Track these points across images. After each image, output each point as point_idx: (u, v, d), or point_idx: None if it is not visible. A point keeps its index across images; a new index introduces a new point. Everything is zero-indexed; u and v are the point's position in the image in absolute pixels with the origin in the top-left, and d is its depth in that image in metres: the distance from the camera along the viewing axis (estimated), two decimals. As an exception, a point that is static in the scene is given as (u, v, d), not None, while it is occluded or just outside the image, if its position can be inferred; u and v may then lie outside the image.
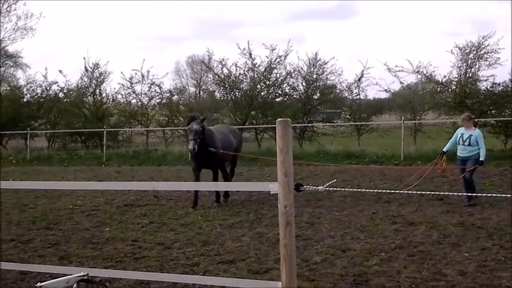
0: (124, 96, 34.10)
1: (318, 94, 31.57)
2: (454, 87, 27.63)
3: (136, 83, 33.07)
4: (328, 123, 31.79)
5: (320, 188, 4.27)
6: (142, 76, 32.68)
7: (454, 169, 14.52)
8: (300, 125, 29.62)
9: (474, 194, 11.83)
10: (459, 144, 12.71)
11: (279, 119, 3.92)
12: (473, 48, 27.15)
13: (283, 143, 3.84)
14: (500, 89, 26.62)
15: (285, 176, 3.82)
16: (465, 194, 12.17)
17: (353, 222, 10.91)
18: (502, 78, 35.74)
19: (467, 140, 12.53)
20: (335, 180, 5.99)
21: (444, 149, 13.06)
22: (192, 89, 66.97)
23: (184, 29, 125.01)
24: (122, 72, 39.04)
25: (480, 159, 12.53)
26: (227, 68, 30.88)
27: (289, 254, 3.85)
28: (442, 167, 12.98)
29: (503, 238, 9.17)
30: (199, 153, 12.95)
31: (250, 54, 29.89)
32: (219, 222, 11.26)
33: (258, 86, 30.79)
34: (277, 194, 3.91)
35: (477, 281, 6.99)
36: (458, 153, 12.82)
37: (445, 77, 27.63)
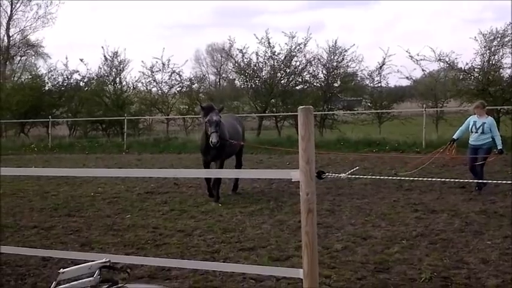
0: (144, 84, 34.23)
1: (338, 82, 31.47)
2: (477, 75, 27.34)
3: (157, 71, 33.16)
4: (348, 111, 31.68)
5: (342, 175, 4.25)
6: (163, 64, 32.76)
7: (461, 158, 14.36)
8: (320, 113, 29.53)
9: (483, 181, 11.80)
10: (472, 132, 12.58)
11: (301, 107, 3.89)
12: (497, 35, 26.82)
13: (305, 130, 3.81)
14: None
15: (307, 164, 3.79)
16: (478, 181, 12.07)
17: (374, 210, 10.86)
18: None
19: (481, 127, 12.40)
20: (357, 167, 5.96)
21: (454, 136, 12.90)
22: (212, 77, 67.01)
23: (204, 17, 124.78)
24: (142, 61, 39.35)
25: (499, 148, 12.48)
26: (247, 57, 30.85)
27: (311, 241, 3.83)
28: (452, 154, 12.84)
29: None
30: (215, 146, 12.08)
31: (269, 43, 29.84)
32: (239, 209, 11.26)
33: (278, 74, 30.81)
34: (298, 181, 3.88)
35: (500, 269, 6.94)
36: (470, 142, 12.70)
37: (467, 64, 27.37)
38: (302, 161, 3.82)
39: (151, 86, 34.09)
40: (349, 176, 4.50)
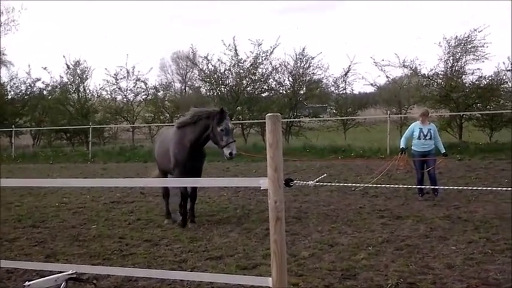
0: (109, 92, 34.00)
1: (304, 89, 31.65)
2: (440, 81, 27.77)
3: (121, 79, 32.98)
4: (314, 118, 31.88)
5: (310, 183, 4.27)
6: (128, 72, 32.58)
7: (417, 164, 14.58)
8: (286, 120, 29.65)
9: (434, 187, 12.15)
10: (420, 139, 12.74)
11: (269, 114, 3.91)
12: (461, 41, 27.27)
13: (273, 137, 3.83)
14: (485, 82, 26.78)
15: (275, 171, 3.81)
16: (424, 187, 12.29)
17: (340, 216, 10.94)
18: (488, 72, 36.17)
19: (428, 134, 12.64)
20: (325, 175, 5.96)
21: (403, 146, 12.99)
22: (178, 85, 66.79)
23: (169, 24, 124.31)
24: (106, 69, 38.93)
25: (444, 152, 12.89)
26: (212, 64, 30.86)
27: (279, 249, 3.84)
28: (405, 163, 13.01)
29: (489, 231, 9.22)
30: (201, 159, 10.82)
31: (236, 50, 29.92)
32: (207, 218, 11.24)
33: (244, 81, 30.82)
34: (266, 189, 3.89)
35: (464, 274, 7.02)
36: (417, 148, 12.84)
37: (431, 70, 27.81)
38: (270, 169, 3.83)
39: (116, 94, 33.90)
40: (316, 183, 4.52)
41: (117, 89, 33.41)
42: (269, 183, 3.82)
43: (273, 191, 3.81)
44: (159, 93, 34.14)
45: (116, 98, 34.30)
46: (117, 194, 14.57)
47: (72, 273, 4.13)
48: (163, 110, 32.72)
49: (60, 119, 33.28)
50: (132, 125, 32.96)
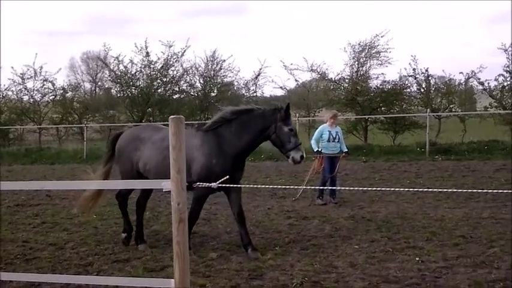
0: (15, 92, 32.79)
1: (215, 91, 31.75)
2: (346, 85, 28.57)
3: (28, 78, 31.84)
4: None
5: (213, 184, 4.33)
6: (35, 72, 31.54)
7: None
8: (197, 122, 29.66)
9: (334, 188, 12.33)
10: (329, 141, 12.85)
11: (172, 116, 3.95)
12: (365, 47, 28.17)
13: (176, 140, 3.87)
14: (389, 87, 27.77)
15: (178, 174, 3.85)
16: (333, 188, 12.45)
17: (249, 217, 11.00)
18: (391, 76, 37.52)
19: (337, 136, 12.90)
20: (228, 176, 6.04)
21: (317, 149, 12.89)
22: (88, 86, 65.29)
23: (78, 24, 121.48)
24: (12, 67, 37.48)
25: (345, 150, 13.08)
26: (123, 65, 30.47)
27: (182, 251, 3.88)
28: (322, 165, 13.08)
29: (391, 230, 9.58)
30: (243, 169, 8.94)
31: (147, 52, 29.68)
32: (115, 221, 11.07)
33: (155, 83, 30.61)
34: (170, 191, 3.92)
35: (366, 272, 7.27)
36: (326, 151, 12.82)
37: (338, 74, 28.59)
38: (173, 171, 3.86)
39: (22, 94, 32.75)
40: (222, 184, 4.59)
41: (23, 89, 32.30)
42: (172, 185, 3.86)
43: (176, 193, 3.85)
44: (67, 94, 33.26)
45: (22, 99, 33.16)
46: (22, 197, 14.13)
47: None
48: (72, 111, 31.91)
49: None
50: (39, 126, 31.96)
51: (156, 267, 7.79)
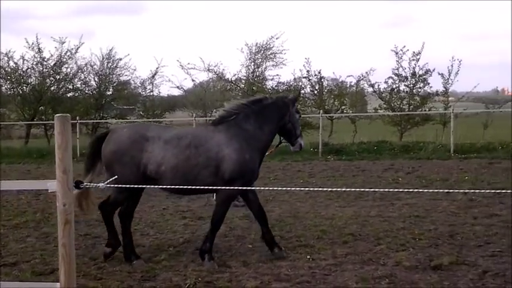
0: None
1: (111, 90, 31.27)
2: (243, 86, 28.86)
3: None
4: (121, 120, 31.60)
5: (101, 184, 4.25)
6: None
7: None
8: (92, 121, 29.09)
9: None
10: None
11: (58, 115, 3.85)
12: (261, 48, 28.57)
13: (62, 139, 3.77)
14: (284, 88, 28.29)
15: (64, 174, 3.75)
16: None
17: (143, 218, 10.93)
18: (286, 77, 38.34)
19: None
20: (116, 177, 5.94)
21: None
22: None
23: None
24: None
25: None
26: (13, 61, 29.40)
27: (68, 253, 3.79)
28: None
29: (283, 229, 9.75)
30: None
31: (39, 48, 28.78)
32: (2, 223, 10.62)
33: (48, 81, 29.76)
34: (56, 192, 3.82)
35: (259, 271, 7.34)
36: None
37: (234, 75, 28.82)
38: (59, 171, 3.76)
39: None
40: (111, 185, 4.51)
41: None
42: (58, 185, 3.76)
43: (61, 193, 3.75)
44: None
45: None
46: None
47: None
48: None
49: None
50: None
51: (45, 270, 7.56)
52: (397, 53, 26.74)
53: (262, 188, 6.96)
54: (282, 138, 8.57)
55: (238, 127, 7.88)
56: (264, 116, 8.04)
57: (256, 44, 28.60)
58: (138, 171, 7.63)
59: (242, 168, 7.65)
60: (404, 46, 26.87)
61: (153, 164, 7.60)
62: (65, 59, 29.37)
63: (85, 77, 30.71)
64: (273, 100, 8.26)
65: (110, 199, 8.11)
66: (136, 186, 7.06)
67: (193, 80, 30.21)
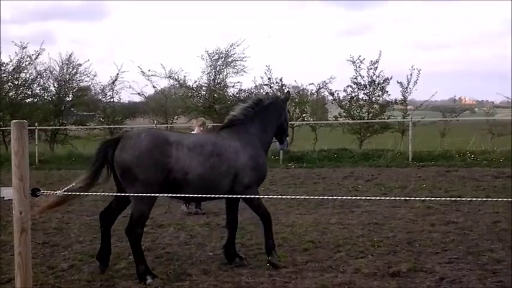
0: None
1: (70, 96, 30.89)
2: (204, 93, 28.83)
3: None
4: (81, 126, 31.24)
5: (58, 192, 4.20)
6: None
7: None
8: (51, 127, 28.72)
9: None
10: None
11: (14, 121, 3.80)
12: (221, 55, 28.60)
13: (19, 146, 3.72)
14: (245, 95, 28.34)
15: (20, 181, 3.69)
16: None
17: (103, 226, 10.79)
18: (247, 85, 38.49)
19: None
20: (73, 184, 5.88)
21: None
22: None
23: None
24: None
25: None
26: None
27: (24, 262, 3.73)
28: None
29: (244, 236, 9.74)
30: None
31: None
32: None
33: (6, 86, 29.29)
34: (12, 199, 3.76)
35: (219, 279, 7.35)
36: None
37: (195, 82, 28.78)
38: (15, 178, 3.70)
39: None
40: (68, 192, 4.46)
41: None
42: (14, 193, 3.70)
43: (18, 201, 3.70)
44: None
45: None
46: None
47: None
48: None
49: None
50: None
51: (2, 279, 7.45)
52: (354, 62, 27.01)
53: (223, 196, 6.98)
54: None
55: (248, 133, 8.00)
56: (265, 118, 8.22)
57: (217, 50, 28.63)
58: (162, 176, 7.37)
59: (258, 174, 7.91)
60: (360, 55, 27.11)
61: (179, 171, 7.40)
62: (24, 64, 28.96)
63: (44, 83, 30.28)
64: (271, 100, 8.43)
65: (134, 217, 7.86)
66: (154, 194, 7.26)
67: (154, 87, 30.06)
